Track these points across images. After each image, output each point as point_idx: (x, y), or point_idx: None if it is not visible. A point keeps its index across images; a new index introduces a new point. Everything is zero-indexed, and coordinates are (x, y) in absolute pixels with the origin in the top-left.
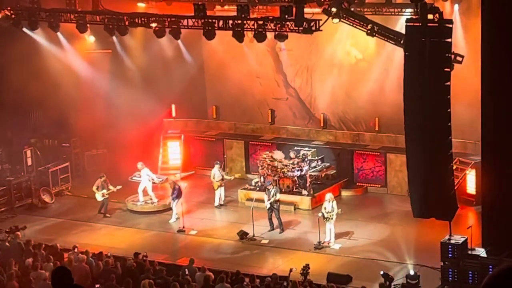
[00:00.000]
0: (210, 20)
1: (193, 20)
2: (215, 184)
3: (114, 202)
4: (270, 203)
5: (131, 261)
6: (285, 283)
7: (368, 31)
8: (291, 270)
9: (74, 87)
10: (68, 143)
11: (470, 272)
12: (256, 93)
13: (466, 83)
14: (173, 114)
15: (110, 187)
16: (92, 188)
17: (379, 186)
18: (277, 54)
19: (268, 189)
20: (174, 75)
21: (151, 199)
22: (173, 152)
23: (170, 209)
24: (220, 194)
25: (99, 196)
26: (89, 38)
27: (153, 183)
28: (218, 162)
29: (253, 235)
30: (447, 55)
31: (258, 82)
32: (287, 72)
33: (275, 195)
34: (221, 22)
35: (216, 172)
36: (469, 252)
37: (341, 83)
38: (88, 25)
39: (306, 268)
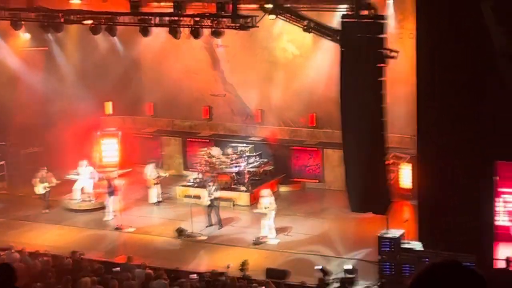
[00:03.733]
0: (146, 17)
1: (129, 17)
2: (150, 182)
3: (52, 200)
4: (210, 200)
5: (69, 259)
6: (223, 279)
7: (305, 28)
8: (228, 266)
9: (9, 84)
10: (4, 141)
11: (406, 265)
12: (194, 90)
13: (402, 78)
14: (110, 111)
15: (53, 180)
16: (31, 184)
17: (317, 181)
18: (214, 51)
19: (209, 186)
20: (110, 72)
21: (89, 197)
22: (110, 149)
23: (106, 207)
24: (156, 191)
25: (40, 189)
26: (24, 36)
27: (93, 181)
28: (153, 160)
29: (192, 232)
30: (381, 50)
31: (195, 78)
32: (224, 68)
33: (215, 192)
34: (157, 19)
35: (150, 170)
36: (406, 245)
37: (278, 79)
38: (22, 22)
39: (244, 264)
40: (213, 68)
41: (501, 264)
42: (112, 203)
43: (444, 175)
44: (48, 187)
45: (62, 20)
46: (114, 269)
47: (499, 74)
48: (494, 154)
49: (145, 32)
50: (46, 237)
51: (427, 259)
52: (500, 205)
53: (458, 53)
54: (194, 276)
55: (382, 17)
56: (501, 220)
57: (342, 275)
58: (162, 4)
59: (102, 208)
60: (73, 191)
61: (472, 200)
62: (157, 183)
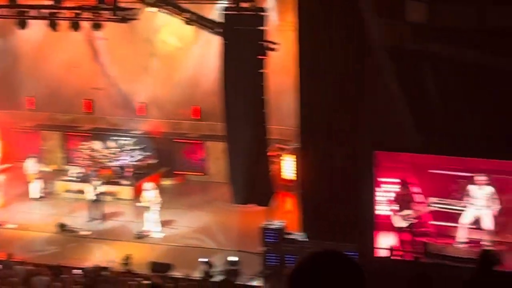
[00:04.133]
0: (23, 9)
1: (7, 9)
2: (30, 177)
3: None
4: (95, 195)
5: None
6: (106, 274)
7: (186, 20)
8: (111, 261)
9: None
10: None
11: (290, 256)
12: (74, 83)
13: (283, 70)
14: None
15: None
16: None
17: (201, 174)
18: (94, 44)
19: (92, 180)
20: None
21: None
22: None
23: None
24: (37, 186)
25: None
26: None
27: None
28: (33, 155)
29: (73, 227)
30: (261, 43)
31: (76, 72)
32: (105, 61)
33: (99, 186)
34: (35, 11)
35: (30, 165)
36: (288, 236)
37: (159, 71)
38: None
39: (127, 258)
40: (94, 61)
41: (383, 253)
42: None
43: (326, 166)
44: None
45: None
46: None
47: (378, 65)
48: (374, 145)
49: (22, 24)
50: None
51: (309, 250)
52: (380, 195)
53: (338, 45)
54: (77, 271)
55: (263, 10)
56: (381, 209)
57: (226, 267)
58: None
59: None
60: None
61: (353, 191)
62: (38, 178)
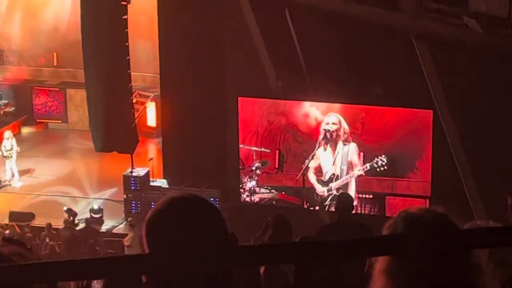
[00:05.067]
0: None
1: None
2: None
3: None
4: None
5: None
6: None
7: None
8: None
9: None
10: None
11: (153, 203)
12: None
13: (143, 16)
14: None
15: None
16: None
17: (60, 122)
18: None
19: None
20: None
21: None
22: None
23: None
24: None
25: None
26: None
27: None
28: None
29: None
30: None
31: None
32: None
33: None
34: None
35: None
36: (151, 183)
37: (17, 18)
38: None
39: None
40: None
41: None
42: None
43: (188, 112)
44: None
45: None
46: None
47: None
48: (236, 91)
49: None
50: None
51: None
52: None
53: None
54: None
55: None
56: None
57: (88, 215)
58: None
59: None
60: None
61: (216, 137)
62: None
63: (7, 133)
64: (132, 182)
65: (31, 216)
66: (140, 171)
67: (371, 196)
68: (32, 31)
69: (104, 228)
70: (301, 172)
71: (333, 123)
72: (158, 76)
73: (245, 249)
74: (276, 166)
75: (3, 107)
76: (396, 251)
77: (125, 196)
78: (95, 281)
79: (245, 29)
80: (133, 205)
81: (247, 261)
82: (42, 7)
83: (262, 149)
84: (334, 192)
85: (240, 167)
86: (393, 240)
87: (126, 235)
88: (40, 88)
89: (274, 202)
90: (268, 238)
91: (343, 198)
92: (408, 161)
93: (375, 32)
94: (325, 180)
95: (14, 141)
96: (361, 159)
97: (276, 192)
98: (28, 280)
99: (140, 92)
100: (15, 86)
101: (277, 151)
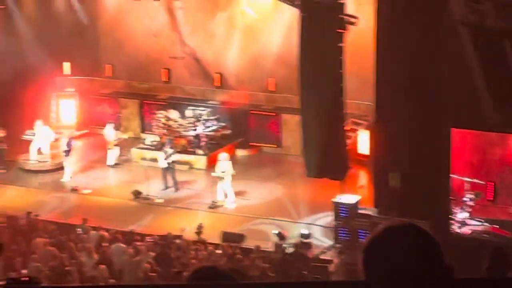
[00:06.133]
0: None
1: None
2: (110, 144)
3: (8, 161)
4: (167, 163)
5: (23, 220)
6: (179, 242)
7: None
8: (184, 229)
9: None
10: None
11: (361, 231)
12: (152, 52)
13: (360, 44)
14: (67, 71)
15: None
16: None
17: (274, 146)
18: (173, 13)
19: (165, 149)
20: (67, 33)
21: (45, 157)
22: (67, 110)
23: (63, 168)
24: (114, 153)
25: None
26: None
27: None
28: (111, 121)
29: (147, 195)
30: (340, 16)
31: (154, 40)
32: (183, 30)
33: (172, 155)
34: None
35: (109, 132)
36: (361, 211)
37: (237, 43)
38: None
39: (200, 227)
40: (172, 29)
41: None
42: (69, 164)
43: (399, 142)
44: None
45: None
46: (78, 230)
47: (459, 42)
48: (450, 121)
49: None
50: (0, 198)
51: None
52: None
53: (417, 21)
54: (150, 238)
55: None
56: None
57: (298, 239)
58: None
59: (59, 169)
60: (30, 151)
61: (427, 167)
62: (116, 145)
63: (223, 155)
64: (342, 209)
65: (242, 237)
66: (350, 198)
67: None
68: (251, 55)
69: (312, 253)
70: None
71: None
72: (372, 104)
73: (464, 281)
74: (490, 198)
75: (220, 129)
76: None
77: (334, 223)
78: None
79: (462, 59)
80: (342, 232)
81: None
82: (261, 32)
83: (475, 180)
84: None
85: (451, 198)
86: None
87: (332, 261)
88: (256, 112)
89: (485, 235)
90: (486, 270)
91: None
92: None
93: None
94: None
95: (229, 163)
96: None
97: (488, 225)
98: None
99: (354, 120)
100: (232, 109)
101: (492, 183)
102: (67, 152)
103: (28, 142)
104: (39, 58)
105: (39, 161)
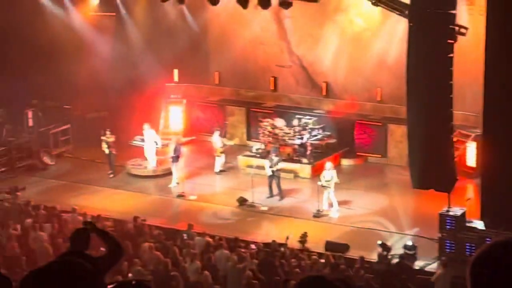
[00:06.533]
0: None
1: None
2: (218, 151)
3: (116, 166)
4: (272, 171)
5: (130, 224)
6: (282, 250)
7: (373, 1)
8: (288, 238)
9: (76, 49)
10: (70, 105)
11: (467, 244)
12: (259, 60)
13: (469, 55)
14: (175, 78)
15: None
16: (95, 148)
17: (380, 156)
18: (281, 21)
19: (271, 157)
20: (177, 40)
21: (152, 163)
22: (175, 117)
23: (170, 173)
24: (221, 160)
25: (105, 149)
26: (93, 1)
27: (156, 147)
28: (218, 129)
29: (253, 202)
30: (451, 26)
31: (261, 48)
32: (291, 39)
33: (277, 163)
34: None
35: (216, 139)
36: (467, 224)
37: (345, 52)
38: None
39: (304, 236)
40: (280, 38)
41: None
42: (177, 170)
43: (509, 154)
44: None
45: None
46: (184, 235)
47: None
48: None
49: (213, 1)
50: (108, 202)
51: (489, 239)
52: None
53: None
54: (254, 246)
55: None
56: None
57: (401, 251)
58: None
59: (165, 174)
60: (147, 159)
61: None
62: (222, 152)
63: (328, 164)
64: (448, 221)
65: (346, 247)
66: (456, 211)
67: None
68: (358, 64)
69: (417, 265)
70: None
71: None
72: (480, 115)
73: None
74: None
75: (325, 138)
76: None
77: (439, 235)
78: None
79: None
80: (447, 244)
81: None
82: (369, 42)
83: None
84: None
85: None
86: None
87: (438, 273)
88: (362, 122)
89: None
90: None
91: None
92: None
93: None
94: None
95: (334, 172)
96: None
97: None
98: None
99: (461, 131)
100: (338, 119)
101: None
102: (175, 158)
103: (137, 147)
104: (149, 65)
105: (146, 167)
